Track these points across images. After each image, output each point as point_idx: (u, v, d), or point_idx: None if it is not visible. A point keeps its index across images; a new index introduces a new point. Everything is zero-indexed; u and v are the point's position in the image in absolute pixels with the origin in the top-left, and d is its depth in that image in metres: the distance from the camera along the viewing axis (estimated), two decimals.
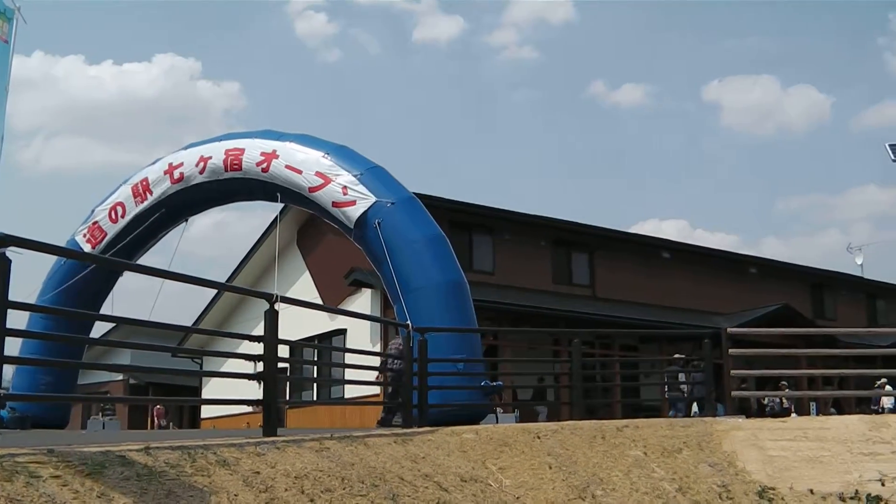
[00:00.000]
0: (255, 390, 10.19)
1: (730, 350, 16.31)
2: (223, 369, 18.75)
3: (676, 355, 23.12)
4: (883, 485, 12.77)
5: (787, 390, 26.14)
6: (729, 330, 16.85)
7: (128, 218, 20.44)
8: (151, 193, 20.11)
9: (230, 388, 11.56)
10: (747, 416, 18.48)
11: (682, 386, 23.16)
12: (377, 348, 25.26)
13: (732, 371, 16.83)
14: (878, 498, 12.46)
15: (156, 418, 33.27)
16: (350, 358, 18.28)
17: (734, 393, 16.94)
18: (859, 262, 48.60)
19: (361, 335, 26.17)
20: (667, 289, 35.13)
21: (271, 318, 10.02)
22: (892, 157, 22.77)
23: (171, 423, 33.77)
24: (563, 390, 25.32)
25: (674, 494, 11.66)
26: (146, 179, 20.30)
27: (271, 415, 10.16)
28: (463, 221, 29.78)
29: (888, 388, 27.60)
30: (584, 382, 17.88)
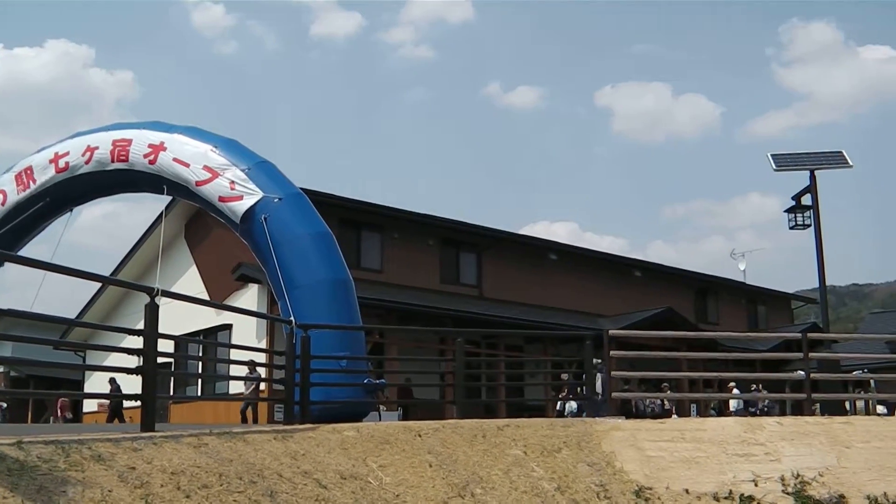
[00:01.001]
0: (138, 385, 10.09)
1: (611, 352, 16.53)
2: (107, 363, 18.60)
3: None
4: (756, 485, 13.06)
5: (668, 392, 26.57)
6: (611, 332, 17.05)
7: (8, 206, 20.07)
8: (35, 182, 19.77)
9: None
10: (627, 417, 18.75)
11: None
12: (262, 344, 25.13)
13: (613, 372, 17.06)
14: (751, 498, 12.74)
15: (59, 411, 32.65)
16: (236, 354, 18.22)
17: (614, 394, 17.15)
18: (742, 268, 49.78)
19: (247, 331, 26.00)
20: (554, 290, 35.50)
21: (151, 313, 9.92)
22: (774, 167, 23.32)
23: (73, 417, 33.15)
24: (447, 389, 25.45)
25: (552, 493, 11.77)
26: (30, 168, 19.96)
27: (149, 410, 10.07)
28: (352, 219, 29.77)
29: (735, 391, 28.33)
30: (468, 382, 17.96)
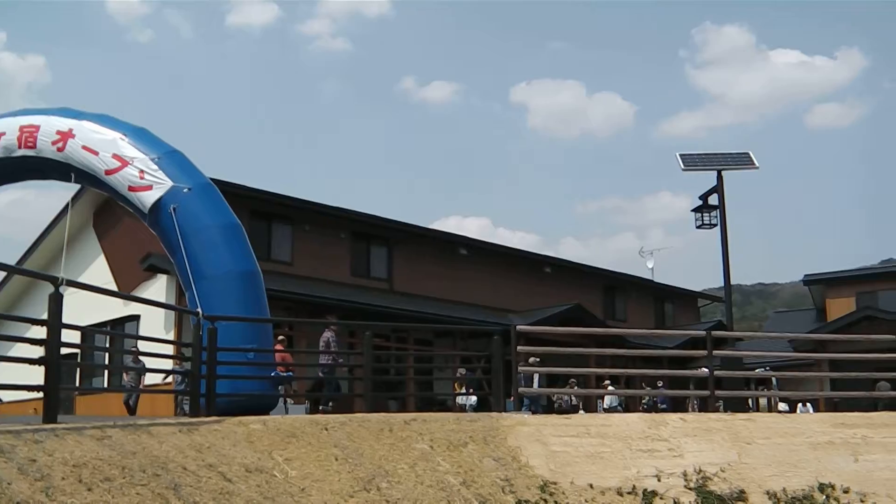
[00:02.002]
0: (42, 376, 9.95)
1: (519, 347, 16.64)
2: (11, 353, 18.27)
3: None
4: (659, 480, 13.26)
5: (575, 388, 26.77)
6: (519, 327, 17.16)
7: None
8: None
9: (23, 373, 11.22)
10: (534, 413, 18.90)
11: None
12: (171, 336, 24.91)
13: (521, 368, 17.18)
14: (654, 493, 12.93)
15: None
16: (143, 345, 18.02)
17: (521, 390, 17.30)
18: (650, 266, 50.38)
19: (155, 322, 25.76)
20: (464, 285, 35.63)
21: (55, 302, 9.80)
22: (682, 167, 23.62)
23: None
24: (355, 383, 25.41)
25: (458, 488, 11.83)
26: None
27: (52, 401, 9.94)
28: (263, 210, 29.61)
29: (610, 387, 28.73)
30: (376, 376, 17.98)
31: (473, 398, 24.19)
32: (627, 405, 30.95)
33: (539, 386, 24.68)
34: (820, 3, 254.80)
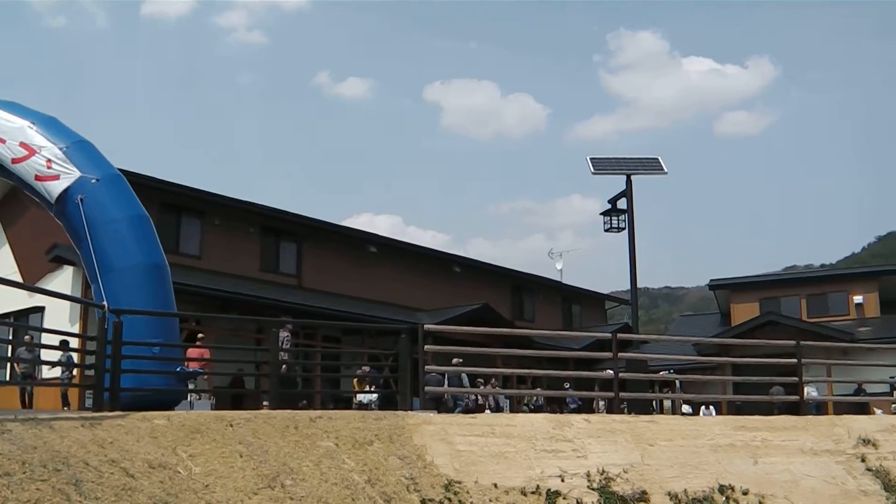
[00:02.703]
0: None
1: (426, 346, 16.69)
2: None
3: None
4: (563, 480, 13.37)
5: (482, 387, 26.89)
6: (426, 326, 17.21)
7: None
8: None
9: None
10: (439, 412, 18.96)
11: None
12: (76, 329, 24.58)
13: (427, 367, 17.22)
14: (558, 493, 13.02)
15: None
16: (47, 337, 17.78)
17: (427, 388, 17.32)
18: (559, 268, 50.82)
19: (61, 314, 25.37)
20: (374, 283, 35.64)
21: None
22: (592, 170, 23.86)
23: None
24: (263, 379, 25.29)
25: (363, 486, 11.83)
26: None
27: None
28: (172, 203, 29.36)
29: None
30: (283, 372, 17.92)
31: (375, 396, 24.22)
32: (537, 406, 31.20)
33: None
34: (732, 13, 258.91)
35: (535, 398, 30.82)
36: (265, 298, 28.58)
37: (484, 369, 23.30)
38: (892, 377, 26.30)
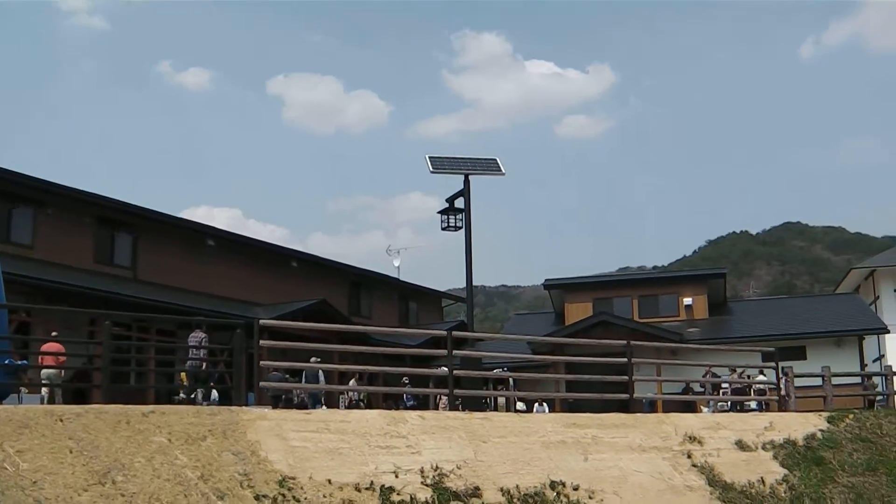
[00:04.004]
0: None
1: (261, 341, 16.60)
2: None
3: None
4: (397, 476, 13.43)
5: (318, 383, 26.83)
6: (262, 321, 17.12)
7: None
8: None
9: None
10: (274, 408, 18.89)
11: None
12: None
13: (262, 362, 17.13)
14: (392, 489, 13.08)
15: None
16: None
17: (262, 384, 17.23)
18: (397, 265, 51.00)
19: None
20: (211, 276, 35.25)
21: None
22: (431, 169, 24.02)
23: None
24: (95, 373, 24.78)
25: (196, 482, 11.72)
26: None
27: None
28: (3, 191, 28.64)
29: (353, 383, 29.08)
30: (116, 366, 17.62)
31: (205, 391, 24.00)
32: (370, 401, 31.27)
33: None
34: (576, 19, 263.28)
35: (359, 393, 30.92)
36: (98, 290, 28.03)
37: (322, 365, 23.26)
38: (705, 374, 27.40)
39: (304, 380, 25.25)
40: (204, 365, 22.15)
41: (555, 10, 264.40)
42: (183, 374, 24.31)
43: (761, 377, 29.24)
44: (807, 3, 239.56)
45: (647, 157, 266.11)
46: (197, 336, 20.08)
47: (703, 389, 30.30)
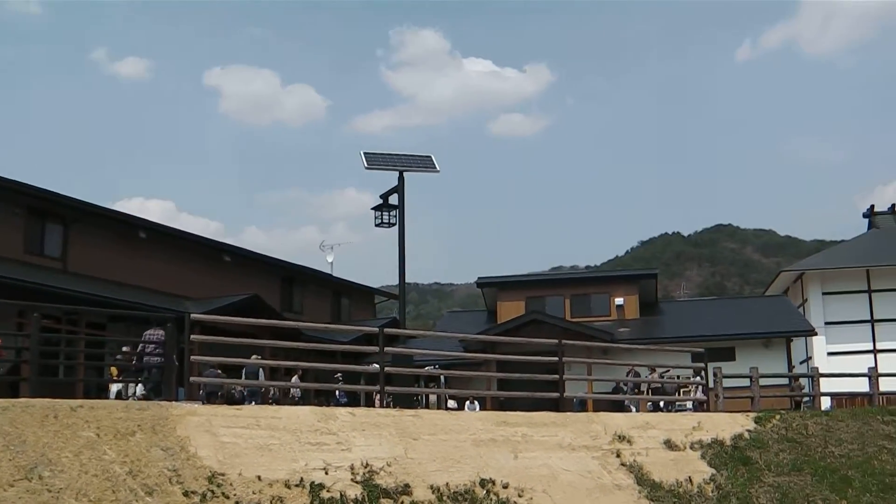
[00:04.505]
0: None
1: (192, 336, 16.52)
2: None
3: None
4: (327, 473, 13.44)
5: (246, 378, 26.73)
6: (193, 315, 17.05)
7: None
8: None
9: None
10: (204, 403, 18.81)
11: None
12: None
13: (193, 357, 17.05)
14: (322, 486, 13.08)
15: None
16: None
17: (193, 378, 17.15)
18: (330, 260, 50.95)
19: None
20: (143, 269, 34.94)
21: None
22: (366, 165, 24.05)
23: None
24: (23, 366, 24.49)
25: (124, 477, 11.66)
26: None
27: None
28: None
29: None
30: (44, 359, 17.44)
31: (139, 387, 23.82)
32: (302, 398, 31.20)
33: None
34: (514, 18, 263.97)
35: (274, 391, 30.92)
36: (27, 282, 27.68)
37: (262, 362, 23.21)
38: (628, 373, 27.64)
39: (243, 376, 25.17)
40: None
41: (493, 8, 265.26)
42: (113, 368, 24.09)
43: (697, 378, 29.60)
44: (745, 7, 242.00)
45: (582, 157, 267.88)
46: (155, 333, 19.80)
47: (625, 388, 30.59)
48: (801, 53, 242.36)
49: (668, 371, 29.31)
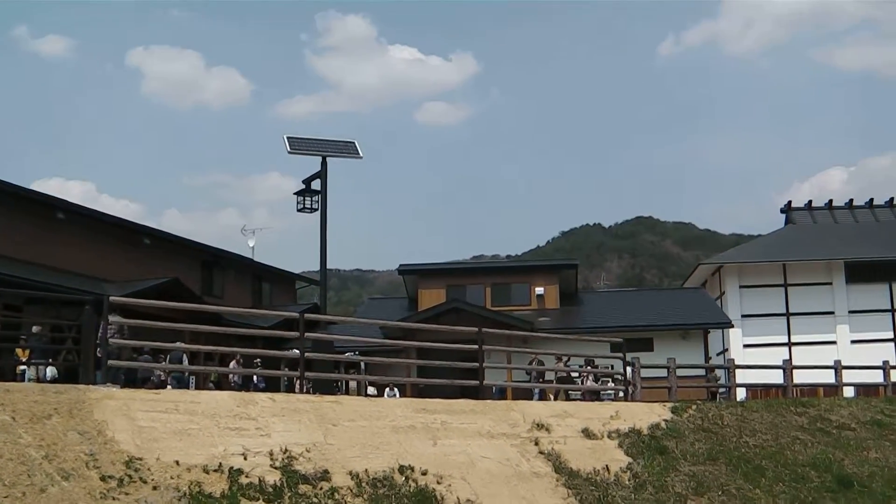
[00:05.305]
0: None
1: (111, 318, 16.35)
2: None
3: None
4: (245, 459, 13.39)
5: (170, 363, 26.55)
6: (112, 298, 16.86)
7: None
8: None
9: None
10: (122, 387, 18.62)
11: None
12: None
13: (111, 340, 16.86)
14: (240, 471, 13.03)
15: None
16: None
17: (111, 362, 16.94)
18: (251, 245, 50.72)
19: None
20: (61, 251, 34.49)
21: None
22: (289, 150, 23.96)
23: None
24: None
25: (40, 462, 11.53)
26: None
27: None
28: None
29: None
30: None
31: (50, 369, 23.53)
32: (220, 383, 31.07)
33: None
34: (441, 6, 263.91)
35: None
36: None
37: (171, 345, 23.07)
38: (531, 361, 27.88)
39: (167, 361, 25.02)
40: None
41: None
42: (19, 350, 23.72)
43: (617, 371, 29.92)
44: (669, 3, 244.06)
45: (506, 147, 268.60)
46: (117, 321, 19.52)
47: (530, 377, 30.93)
48: (722, 52, 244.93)
49: (570, 359, 29.68)
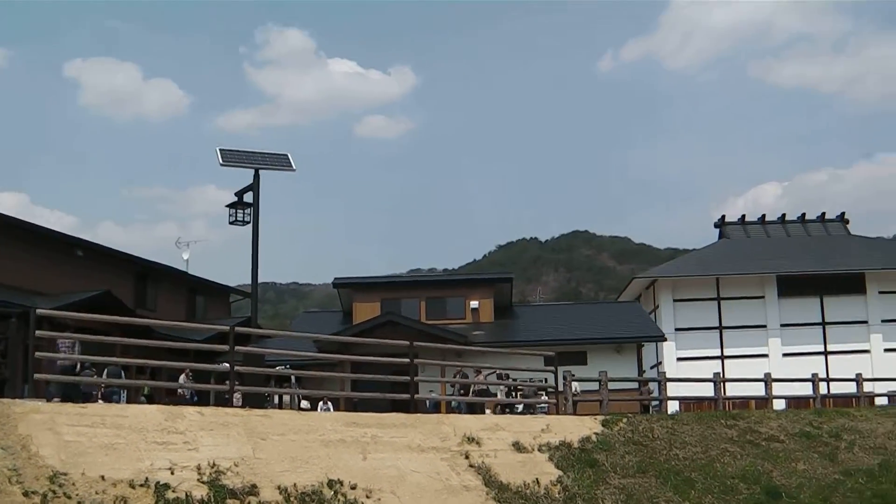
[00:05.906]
0: None
1: (38, 332, 16.16)
2: None
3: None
4: (172, 473, 13.31)
5: (100, 377, 26.27)
6: (39, 311, 16.66)
7: None
8: None
9: None
10: (48, 401, 18.42)
11: None
12: None
13: (38, 353, 16.67)
14: (167, 486, 12.95)
15: None
16: None
17: (37, 375, 16.75)
18: (186, 258, 50.34)
19: None
20: None
21: None
22: (221, 162, 23.87)
23: None
24: None
25: None
26: None
27: None
28: None
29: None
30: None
31: None
32: (153, 398, 30.77)
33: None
34: (381, 20, 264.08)
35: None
36: None
37: (103, 358, 22.83)
38: (455, 374, 27.96)
39: (105, 376, 24.72)
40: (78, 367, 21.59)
41: (360, 10, 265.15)
42: None
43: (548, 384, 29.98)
44: (608, 20, 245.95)
45: (443, 162, 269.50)
46: (68, 342, 19.30)
47: (452, 390, 30.98)
48: (660, 67, 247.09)
49: (494, 372, 29.74)
